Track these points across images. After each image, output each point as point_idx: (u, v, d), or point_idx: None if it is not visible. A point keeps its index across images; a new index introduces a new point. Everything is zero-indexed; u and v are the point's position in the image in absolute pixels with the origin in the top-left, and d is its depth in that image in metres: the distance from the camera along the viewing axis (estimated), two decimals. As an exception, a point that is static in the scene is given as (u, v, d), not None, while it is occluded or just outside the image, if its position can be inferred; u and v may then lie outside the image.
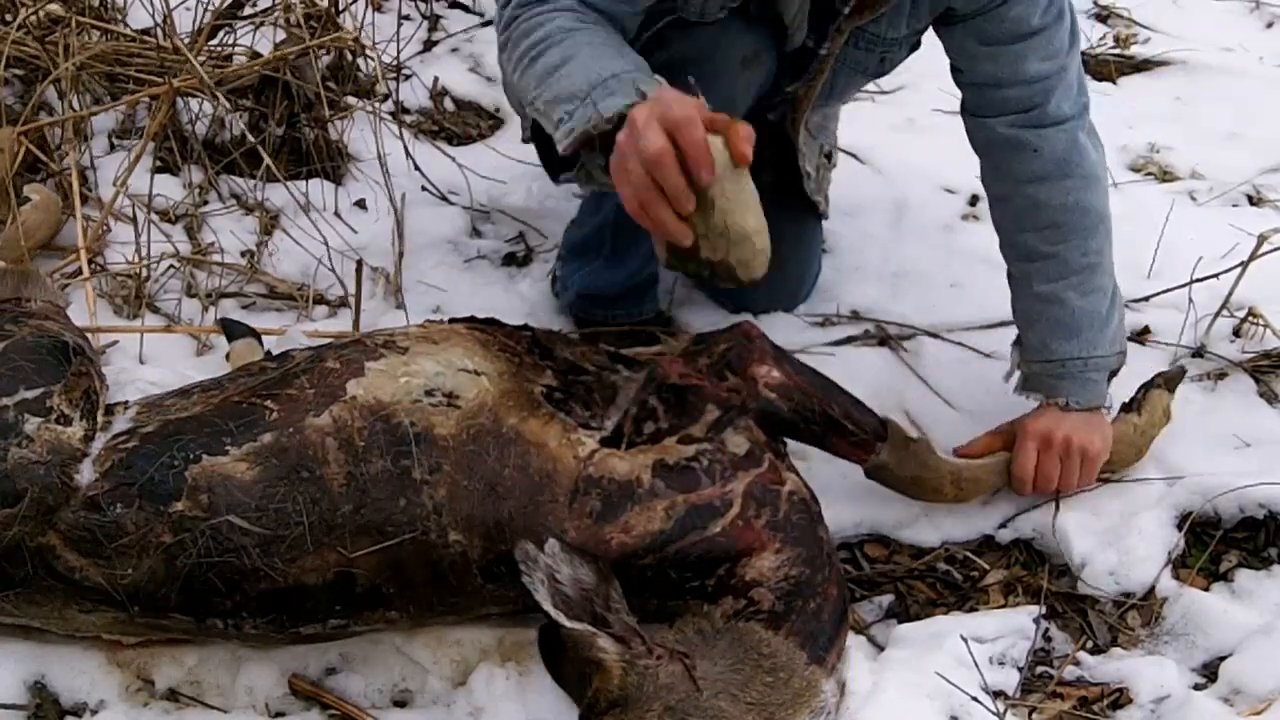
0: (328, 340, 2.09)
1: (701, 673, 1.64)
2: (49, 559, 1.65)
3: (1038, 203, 2.07)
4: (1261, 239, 2.34)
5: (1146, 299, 2.50)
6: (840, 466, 2.15)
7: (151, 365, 2.21)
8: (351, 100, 2.86)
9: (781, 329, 2.40)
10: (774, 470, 1.83)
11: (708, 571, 1.76)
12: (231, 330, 2.25)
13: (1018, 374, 2.16)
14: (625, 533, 1.73)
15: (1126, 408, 2.15)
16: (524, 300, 2.48)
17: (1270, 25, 3.66)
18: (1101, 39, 3.44)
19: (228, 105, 2.64)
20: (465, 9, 3.39)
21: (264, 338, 2.26)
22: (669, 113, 1.56)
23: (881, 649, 1.89)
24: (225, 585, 1.66)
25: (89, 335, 2.10)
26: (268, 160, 2.56)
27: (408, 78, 3.04)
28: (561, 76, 1.70)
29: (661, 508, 1.75)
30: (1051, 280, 2.08)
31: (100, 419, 1.78)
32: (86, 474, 1.68)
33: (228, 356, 2.20)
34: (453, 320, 1.97)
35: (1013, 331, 2.18)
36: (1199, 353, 2.37)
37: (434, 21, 3.31)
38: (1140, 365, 2.34)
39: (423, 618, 1.75)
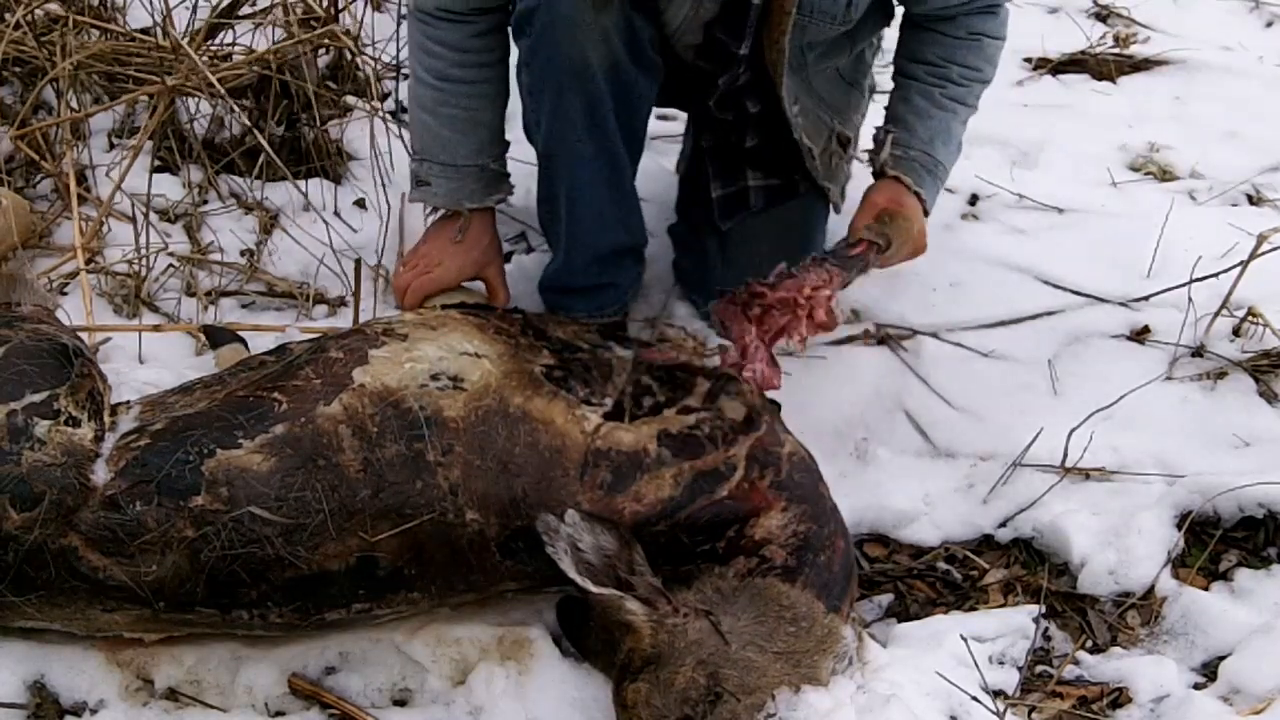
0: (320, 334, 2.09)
1: (727, 627, 1.68)
2: (71, 560, 1.65)
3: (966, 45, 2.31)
4: (1261, 238, 2.34)
5: (1146, 298, 2.49)
6: (840, 466, 2.15)
7: (150, 365, 2.20)
8: (351, 99, 2.86)
9: (781, 328, 2.39)
10: (773, 433, 1.88)
11: (718, 534, 1.80)
12: (216, 337, 2.24)
13: (889, 151, 2.32)
14: (637, 501, 1.77)
15: None
16: (524, 300, 2.47)
17: (1270, 25, 3.66)
18: (1101, 38, 3.43)
19: (214, 105, 2.63)
20: (465, 8, 3.38)
21: (263, 336, 2.25)
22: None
23: (881, 648, 1.89)
24: (250, 576, 1.67)
25: (82, 335, 2.10)
26: (261, 160, 2.55)
27: (407, 77, 3.04)
28: (427, 127, 2.28)
29: (670, 475, 1.79)
30: (953, 101, 2.33)
31: (107, 419, 1.78)
32: (101, 474, 1.69)
33: (215, 363, 2.20)
34: (445, 307, 1.98)
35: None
36: (1199, 352, 2.36)
37: (433, 21, 3.30)
38: (1140, 365, 2.35)
39: (444, 597, 1.77)
